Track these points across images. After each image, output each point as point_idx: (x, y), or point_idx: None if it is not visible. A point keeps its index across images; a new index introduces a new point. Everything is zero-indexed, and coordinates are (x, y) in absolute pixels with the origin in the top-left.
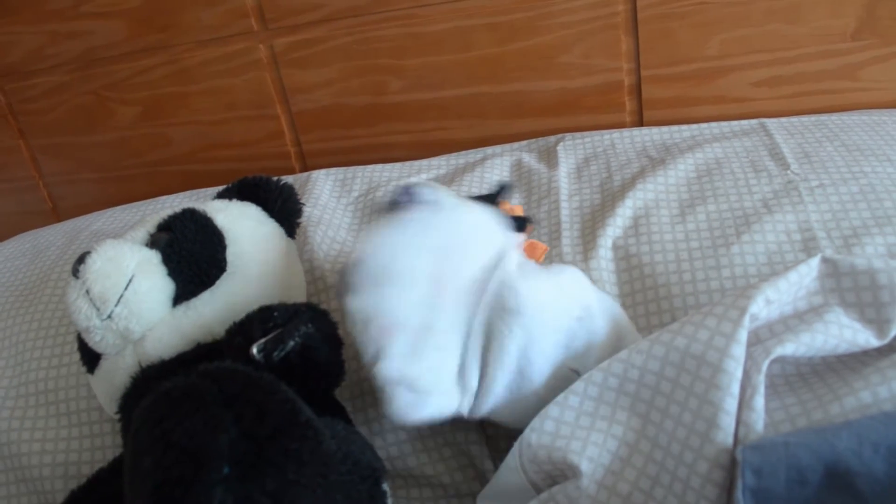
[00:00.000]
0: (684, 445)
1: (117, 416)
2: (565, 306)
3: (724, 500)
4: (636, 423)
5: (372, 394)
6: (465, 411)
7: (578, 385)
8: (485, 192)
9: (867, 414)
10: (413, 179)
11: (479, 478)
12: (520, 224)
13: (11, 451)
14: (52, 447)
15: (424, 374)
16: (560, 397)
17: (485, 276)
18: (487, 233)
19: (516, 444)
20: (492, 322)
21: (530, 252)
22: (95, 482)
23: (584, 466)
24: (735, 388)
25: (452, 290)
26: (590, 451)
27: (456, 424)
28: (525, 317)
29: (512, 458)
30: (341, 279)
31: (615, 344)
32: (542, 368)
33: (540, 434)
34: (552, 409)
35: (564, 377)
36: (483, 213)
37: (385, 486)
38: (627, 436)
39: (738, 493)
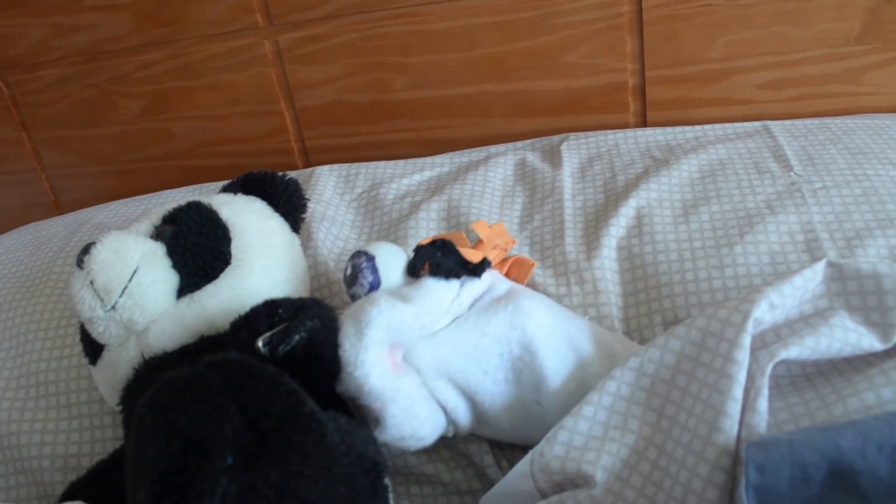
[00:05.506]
0: (687, 450)
1: (119, 408)
2: (487, 348)
3: (725, 502)
4: (646, 432)
5: None
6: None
7: (593, 395)
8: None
9: (871, 415)
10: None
11: (479, 476)
12: (475, 269)
13: (11, 443)
14: (52, 439)
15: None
16: (575, 408)
17: None
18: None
19: (531, 452)
20: None
21: (517, 269)
22: (95, 474)
23: (599, 476)
24: (738, 392)
25: None
26: (604, 461)
27: None
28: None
29: (523, 465)
30: None
31: (608, 363)
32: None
33: (553, 444)
34: (567, 421)
35: (528, 409)
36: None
37: (387, 481)
38: (638, 444)
39: (741, 490)
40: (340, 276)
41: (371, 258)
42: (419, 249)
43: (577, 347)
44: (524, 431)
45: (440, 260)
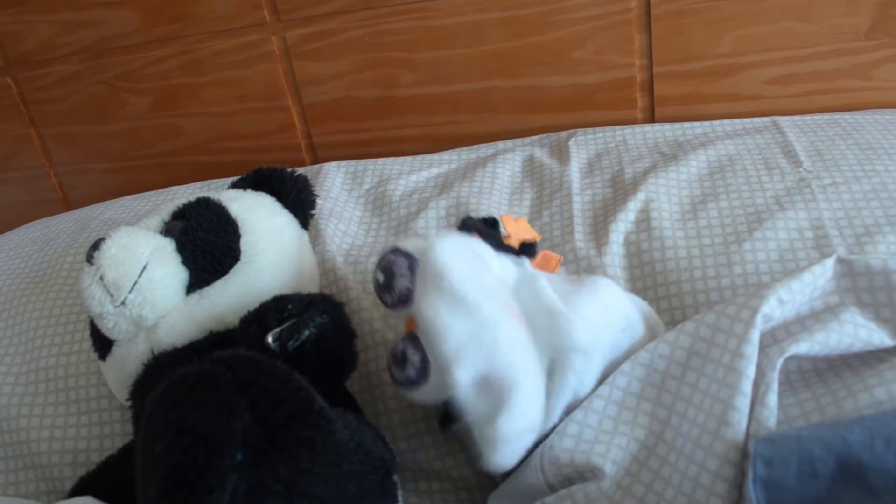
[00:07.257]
0: (696, 444)
1: (128, 403)
2: (612, 322)
3: (734, 497)
4: (656, 427)
5: (381, 387)
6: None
7: (603, 389)
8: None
9: (880, 410)
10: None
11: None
12: (529, 250)
13: (20, 438)
14: (61, 434)
15: (538, 419)
16: (585, 402)
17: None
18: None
19: (540, 446)
20: (552, 357)
21: (544, 264)
22: (104, 469)
23: (609, 468)
24: (746, 387)
25: (513, 309)
26: (613, 454)
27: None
28: (584, 351)
29: (533, 458)
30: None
31: (649, 341)
32: (591, 386)
33: (563, 437)
34: (577, 413)
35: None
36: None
37: (396, 478)
38: (648, 439)
39: (749, 484)
40: (347, 272)
41: (410, 256)
42: (469, 219)
43: (645, 314)
44: None
45: (490, 233)
